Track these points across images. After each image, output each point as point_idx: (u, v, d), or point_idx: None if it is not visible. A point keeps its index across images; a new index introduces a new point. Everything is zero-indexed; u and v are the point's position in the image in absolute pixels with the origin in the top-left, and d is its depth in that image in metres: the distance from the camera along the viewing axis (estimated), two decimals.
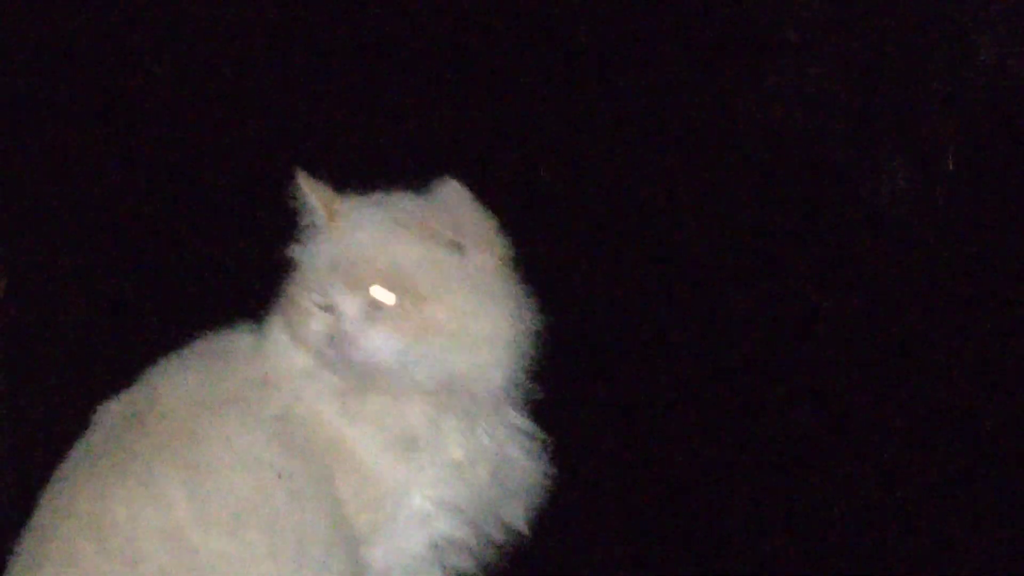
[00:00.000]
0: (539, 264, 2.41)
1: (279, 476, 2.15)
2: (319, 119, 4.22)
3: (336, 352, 2.22)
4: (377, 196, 2.35)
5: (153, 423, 2.19)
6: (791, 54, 4.60)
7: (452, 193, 2.24)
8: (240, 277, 2.37)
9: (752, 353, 4.51)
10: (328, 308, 2.23)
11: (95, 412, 2.26)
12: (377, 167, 2.42)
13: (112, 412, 2.24)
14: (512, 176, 4.26)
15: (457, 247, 2.25)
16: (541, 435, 2.39)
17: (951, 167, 4.71)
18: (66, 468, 2.21)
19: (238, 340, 2.31)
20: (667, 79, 4.53)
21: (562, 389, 2.36)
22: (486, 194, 2.45)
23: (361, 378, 2.24)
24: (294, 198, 2.41)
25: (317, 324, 2.22)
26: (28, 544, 2.18)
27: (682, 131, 4.58)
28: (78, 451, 2.23)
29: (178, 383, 2.24)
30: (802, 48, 4.61)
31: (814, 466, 4.12)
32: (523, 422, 2.37)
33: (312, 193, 2.34)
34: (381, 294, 2.21)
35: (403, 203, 2.30)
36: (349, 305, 2.22)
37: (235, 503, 2.13)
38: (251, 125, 3.98)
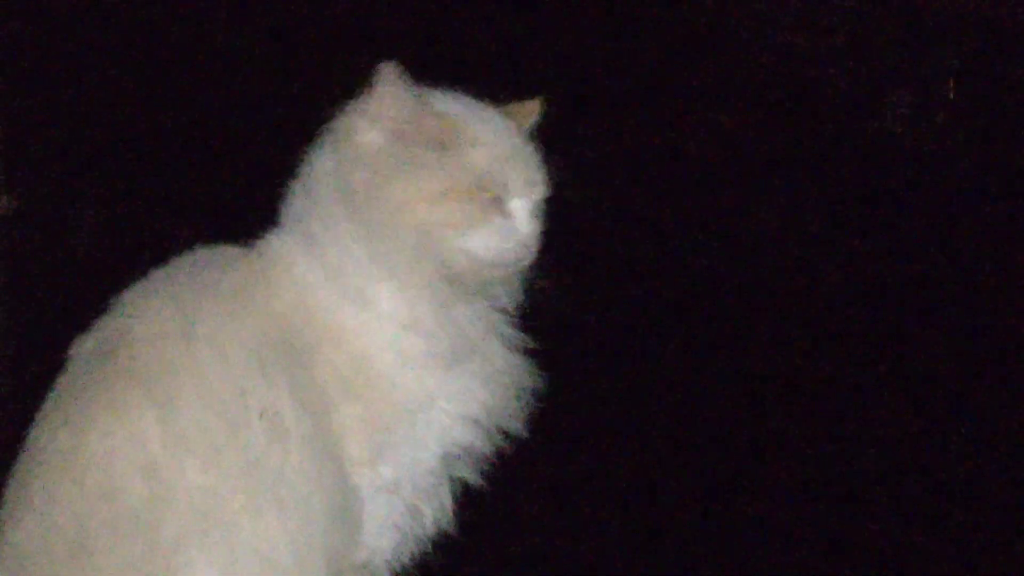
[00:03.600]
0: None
1: (260, 416, 2.09)
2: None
3: (511, 256, 2.18)
4: (472, 103, 2.26)
5: (125, 355, 2.13)
6: None
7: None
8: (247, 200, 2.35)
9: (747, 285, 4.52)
10: (496, 212, 2.19)
11: (72, 347, 2.20)
12: None
13: (87, 346, 2.18)
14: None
15: None
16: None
17: (952, 96, 4.71)
18: (46, 407, 2.17)
19: (212, 263, 2.22)
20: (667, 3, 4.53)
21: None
22: None
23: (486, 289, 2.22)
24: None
25: (491, 230, 2.17)
26: (12, 488, 2.15)
27: (683, 56, 4.56)
28: (57, 389, 2.18)
29: (149, 311, 2.15)
30: None
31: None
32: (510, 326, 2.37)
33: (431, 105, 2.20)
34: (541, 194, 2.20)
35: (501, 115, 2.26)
36: (523, 207, 2.19)
37: (209, 439, 2.08)
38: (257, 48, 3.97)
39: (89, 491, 2.06)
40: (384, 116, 2.15)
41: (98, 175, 3.93)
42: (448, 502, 2.30)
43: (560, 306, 2.32)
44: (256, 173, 2.40)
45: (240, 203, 2.48)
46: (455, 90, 2.30)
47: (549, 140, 2.21)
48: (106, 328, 2.17)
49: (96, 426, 2.08)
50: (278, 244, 2.21)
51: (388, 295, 2.17)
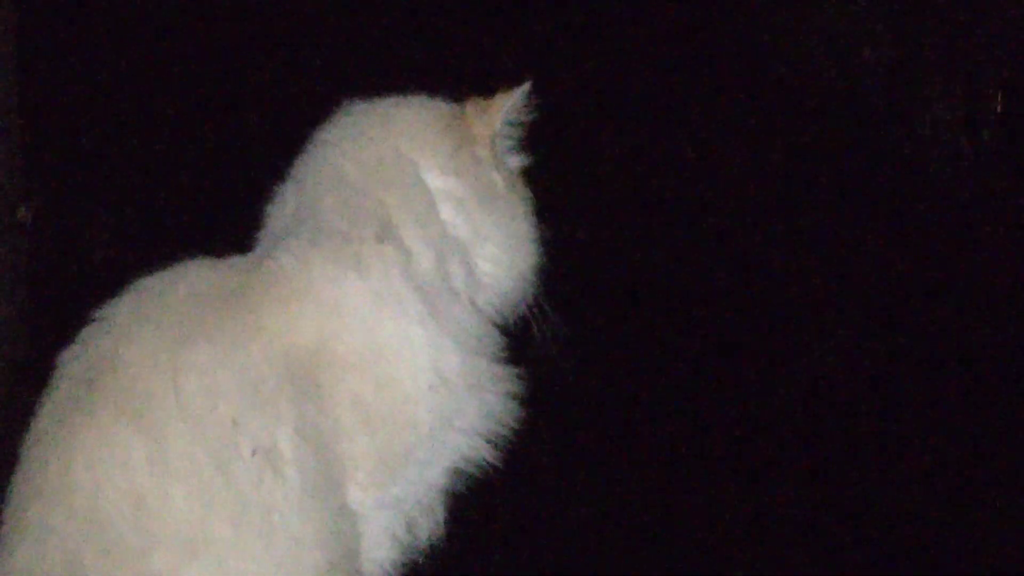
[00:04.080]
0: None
1: (253, 453, 2.06)
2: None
3: None
4: None
5: (111, 382, 2.10)
6: None
7: None
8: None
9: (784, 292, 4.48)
10: None
11: (59, 359, 2.15)
12: None
13: (73, 367, 2.14)
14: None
15: None
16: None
17: (999, 109, 4.59)
18: (36, 430, 2.14)
19: (209, 281, 2.16)
20: (702, 15, 4.48)
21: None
22: None
23: None
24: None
25: None
26: (8, 514, 2.14)
27: (717, 70, 4.52)
28: (46, 410, 2.15)
29: (137, 336, 2.11)
30: None
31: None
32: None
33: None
34: None
35: None
36: None
37: (196, 470, 2.06)
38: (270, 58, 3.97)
39: (79, 519, 2.05)
40: (507, 123, 2.27)
41: (114, 186, 3.95)
42: (441, 513, 2.29)
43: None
44: (273, 182, 2.37)
45: (257, 211, 2.45)
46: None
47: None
48: (93, 347, 2.13)
49: (84, 455, 2.06)
50: (296, 266, 2.16)
51: (467, 311, 2.21)
